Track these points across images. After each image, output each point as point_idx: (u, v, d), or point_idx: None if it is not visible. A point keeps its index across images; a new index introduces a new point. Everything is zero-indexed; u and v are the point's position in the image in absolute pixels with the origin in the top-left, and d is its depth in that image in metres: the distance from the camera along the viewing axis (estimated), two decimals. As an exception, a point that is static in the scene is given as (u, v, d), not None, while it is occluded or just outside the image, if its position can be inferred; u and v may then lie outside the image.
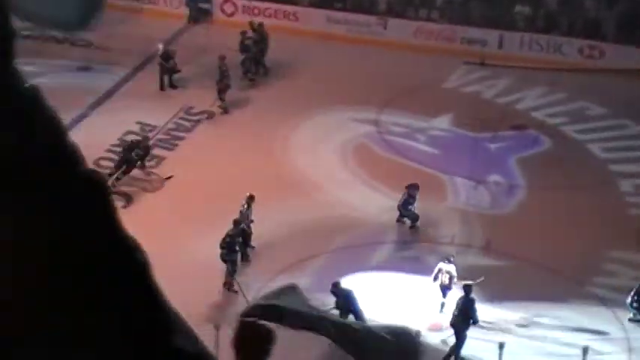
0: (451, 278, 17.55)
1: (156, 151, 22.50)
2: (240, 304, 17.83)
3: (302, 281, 18.53)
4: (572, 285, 18.44)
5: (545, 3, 28.37)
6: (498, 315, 17.93)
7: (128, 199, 20.55)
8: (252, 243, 19.39)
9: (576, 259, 18.91)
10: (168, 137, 23.43)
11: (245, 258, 19.08)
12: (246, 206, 19.29)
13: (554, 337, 17.42)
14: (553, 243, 19.32)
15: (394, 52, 27.23)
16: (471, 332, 17.14)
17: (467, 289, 16.63)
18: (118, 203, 17.63)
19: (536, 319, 17.85)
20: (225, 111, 24.40)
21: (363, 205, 20.83)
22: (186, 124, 24.10)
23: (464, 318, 16.45)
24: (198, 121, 24.18)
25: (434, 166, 22.53)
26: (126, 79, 25.66)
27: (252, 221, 19.33)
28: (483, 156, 22.83)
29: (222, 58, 24.30)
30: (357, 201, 20.96)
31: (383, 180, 21.87)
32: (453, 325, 16.66)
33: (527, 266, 18.85)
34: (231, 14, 29.00)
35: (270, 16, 28.31)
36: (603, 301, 18.17)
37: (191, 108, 24.61)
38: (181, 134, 23.68)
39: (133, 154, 21.40)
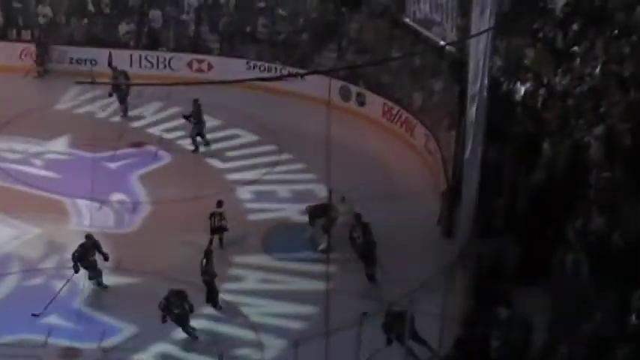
0: (222, 219, 20.24)
1: None
2: None
3: None
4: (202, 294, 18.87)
5: (149, 21, 28.80)
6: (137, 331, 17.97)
7: None
8: None
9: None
10: None
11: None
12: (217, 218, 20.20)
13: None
14: (181, 254, 19.67)
15: (1, 75, 26.40)
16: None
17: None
18: None
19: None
20: None
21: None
22: None
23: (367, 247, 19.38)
24: None
25: (54, 190, 22.13)
26: None
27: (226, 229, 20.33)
28: (104, 175, 22.73)
29: None
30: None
31: (3, 209, 21.14)
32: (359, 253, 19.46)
33: (159, 280, 19.02)
34: None
35: None
36: (235, 306, 18.77)
37: None
38: None
39: None
